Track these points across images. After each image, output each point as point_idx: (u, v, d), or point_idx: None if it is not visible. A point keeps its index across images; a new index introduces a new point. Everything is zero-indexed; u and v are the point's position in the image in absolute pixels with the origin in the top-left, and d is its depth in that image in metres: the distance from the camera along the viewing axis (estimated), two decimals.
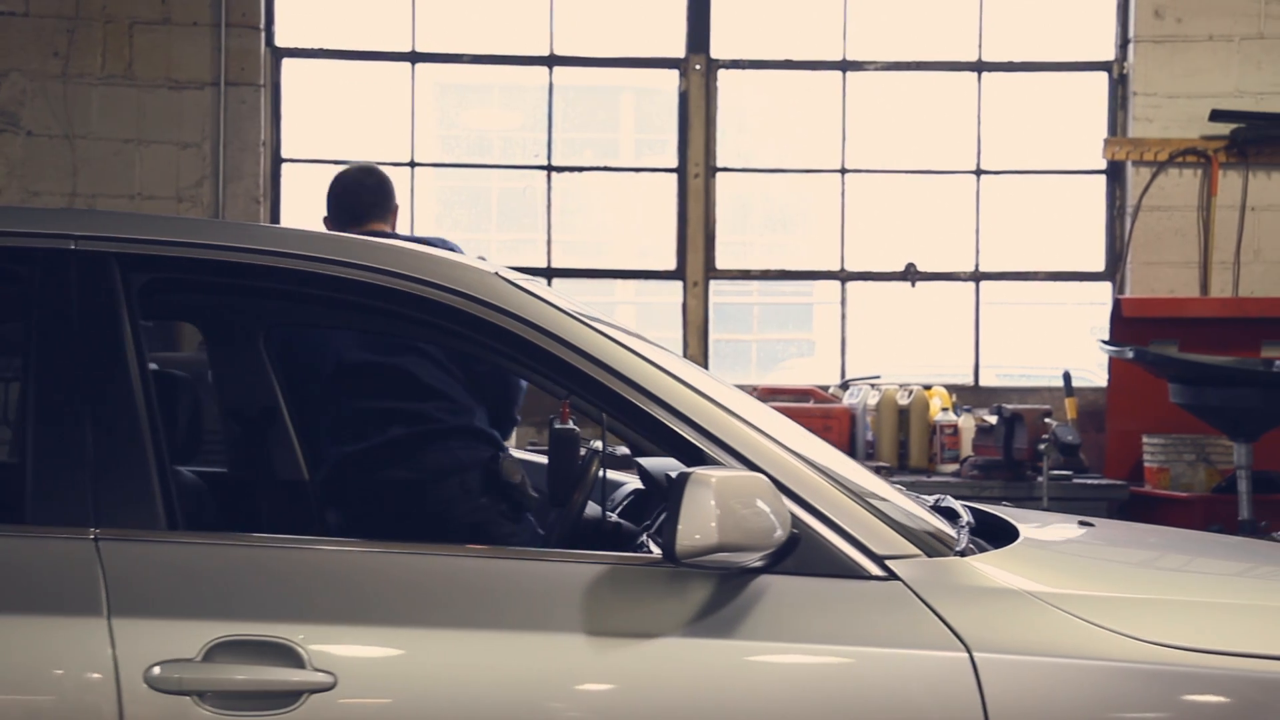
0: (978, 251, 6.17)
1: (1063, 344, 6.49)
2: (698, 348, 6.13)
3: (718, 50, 6.12)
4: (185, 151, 5.84)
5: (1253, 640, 1.79)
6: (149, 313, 3.07)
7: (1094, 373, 6.19)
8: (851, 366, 6.21)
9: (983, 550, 1.99)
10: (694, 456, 1.83)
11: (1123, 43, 6.08)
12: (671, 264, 6.14)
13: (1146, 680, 1.73)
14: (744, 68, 6.17)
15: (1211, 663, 1.75)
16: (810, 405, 5.70)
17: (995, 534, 2.15)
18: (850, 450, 5.65)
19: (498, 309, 1.91)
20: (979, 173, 6.16)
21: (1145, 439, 5.39)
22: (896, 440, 5.52)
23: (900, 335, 6.98)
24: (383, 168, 6.07)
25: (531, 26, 6.13)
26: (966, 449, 5.39)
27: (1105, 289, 6.14)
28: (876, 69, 6.16)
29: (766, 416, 2.03)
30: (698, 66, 6.10)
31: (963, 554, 1.87)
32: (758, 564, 1.76)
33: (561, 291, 2.30)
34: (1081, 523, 2.42)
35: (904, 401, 5.54)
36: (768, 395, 5.77)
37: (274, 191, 6.02)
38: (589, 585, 1.77)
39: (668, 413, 1.85)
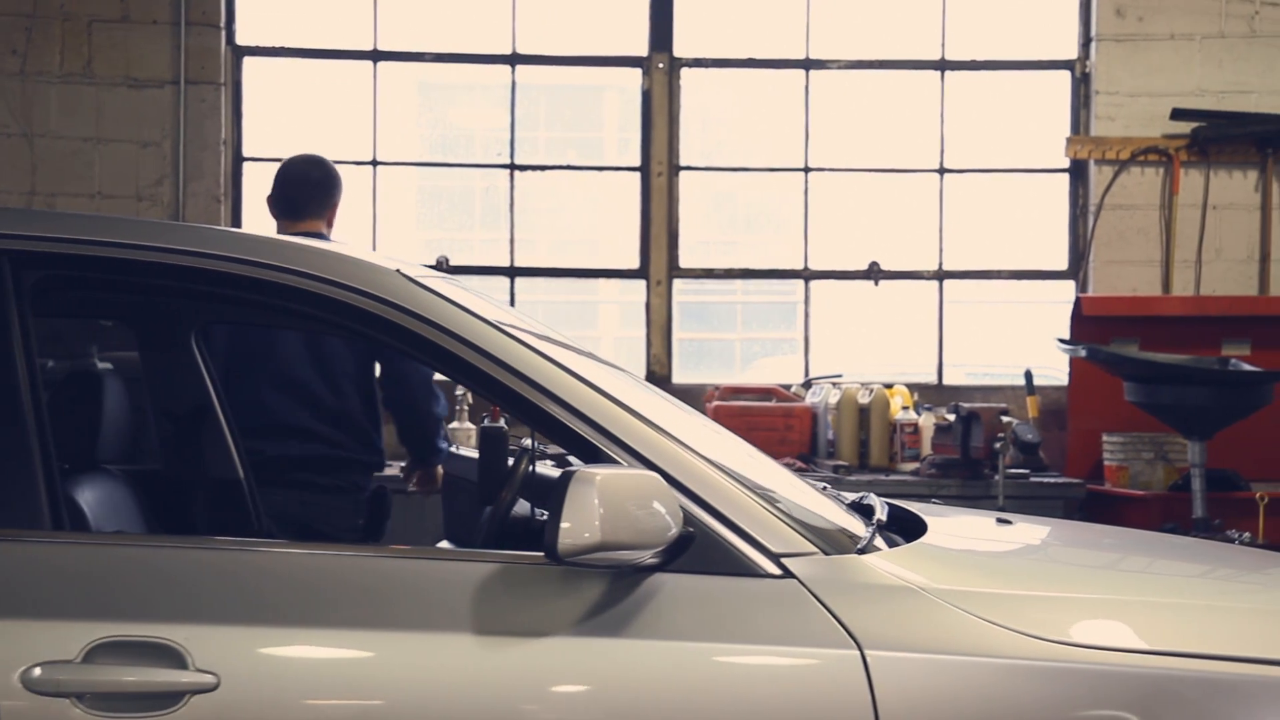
0: (941, 250, 6.17)
1: (1028, 343, 6.48)
2: (661, 347, 6.12)
3: (681, 49, 6.11)
4: (145, 150, 5.82)
5: (1150, 637, 1.79)
6: (66, 311, 3.07)
7: (1059, 371, 6.18)
8: (823, 365, 6.21)
9: (895, 546, 1.99)
10: (591, 454, 1.83)
11: (1085, 41, 6.08)
12: (635, 263, 6.13)
13: (1037, 677, 1.73)
14: (707, 66, 6.16)
15: (1105, 659, 1.74)
16: (772, 404, 5.70)
17: (910, 531, 2.15)
18: (811, 449, 5.65)
19: (395, 306, 1.90)
20: (942, 171, 6.16)
21: (1105, 437, 5.39)
22: (857, 439, 5.52)
23: (868, 334, 6.98)
24: (345, 166, 6.11)
25: (495, 25, 6.12)
26: (927, 448, 5.39)
27: (1069, 287, 6.14)
28: (839, 67, 6.16)
29: (674, 414, 2.02)
30: (660, 65, 6.09)
31: (864, 551, 1.87)
32: (651, 562, 1.75)
33: (472, 289, 2.29)
34: (999, 520, 2.42)
35: (864, 400, 5.54)
36: (730, 394, 5.77)
37: (235, 190, 6.00)
38: (480, 584, 1.76)
39: (564, 410, 1.84)
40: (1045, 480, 5.05)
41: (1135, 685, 1.72)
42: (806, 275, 6.16)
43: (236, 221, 6.00)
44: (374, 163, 6.08)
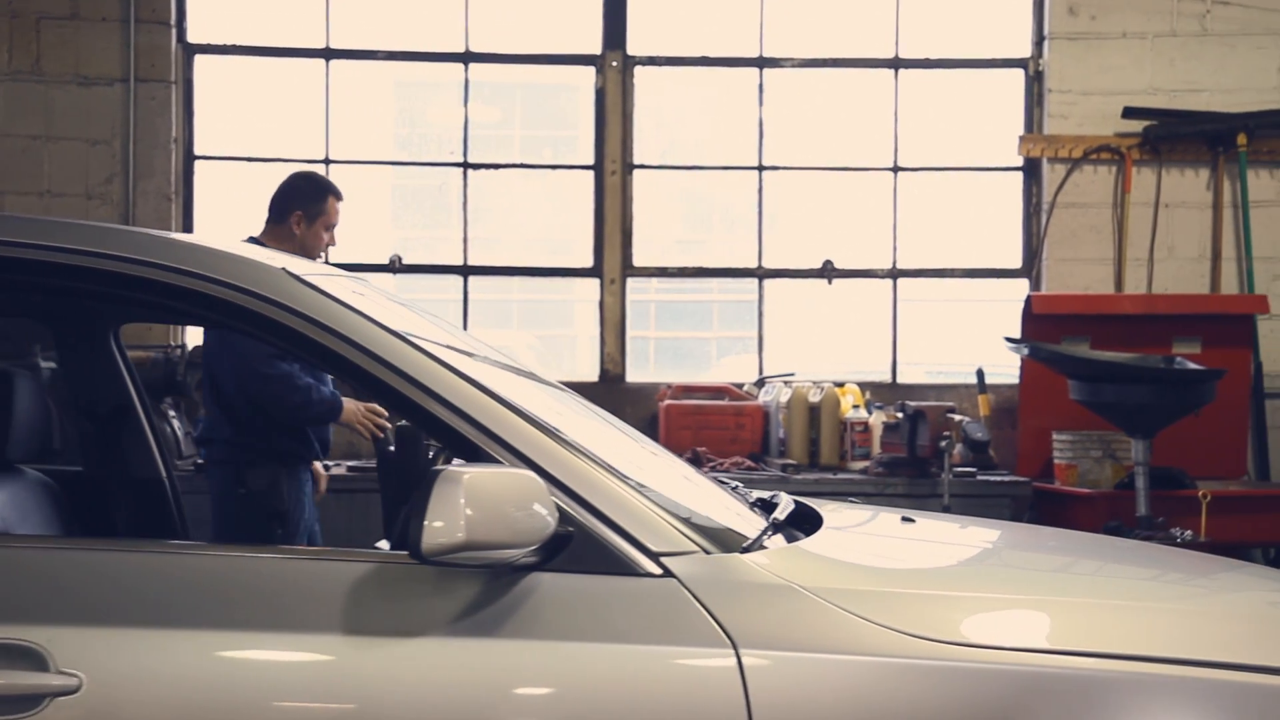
0: (895, 248, 6.17)
1: (983, 341, 6.49)
2: (615, 345, 6.11)
3: (635, 47, 6.11)
4: (95, 148, 5.79)
5: (1030, 634, 1.79)
6: None
7: (1014, 370, 6.19)
8: (784, 364, 6.20)
9: (794, 541, 1.99)
10: (472, 452, 1.82)
11: (1038, 40, 6.09)
12: (589, 261, 6.12)
13: (914, 675, 1.73)
14: (660, 64, 6.15)
15: (983, 657, 1.74)
16: (723, 403, 5.70)
17: (813, 531, 2.14)
18: (763, 448, 5.65)
19: (278, 305, 1.89)
20: (896, 170, 6.17)
21: (1055, 436, 5.40)
22: (808, 437, 5.52)
23: (827, 333, 6.98)
24: (296, 165, 6.09)
25: (448, 23, 6.10)
26: (878, 446, 5.39)
27: (1024, 286, 6.15)
28: (793, 65, 6.16)
29: (571, 415, 2.01)
30: (614, 63, 6.08)
31: (750, 550, 1.86)
32: (528, 561, 1.75)
33: (376, 288, 2.28)
34: (904, 519, 2.42)
35: (815, 399, 5.54)
36: (682, 393, 5.77)
37: (186, 189, 5.98)
38: (352, 584, 1.75)
39: (444, 407, 1.83)
40: (992, 479, 5.05)
41: (1012, 683, 1.72)
42: (761, 274, 6.16)
43: (188, 220, 5.98)
44: (326, 161, 6.06)
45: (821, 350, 6.84)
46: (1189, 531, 4.49)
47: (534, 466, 1.79)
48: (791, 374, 5.92)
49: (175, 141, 5.89)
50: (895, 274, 6.16)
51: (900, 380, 6.17)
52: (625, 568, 1.77)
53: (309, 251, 4.34)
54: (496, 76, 6.19)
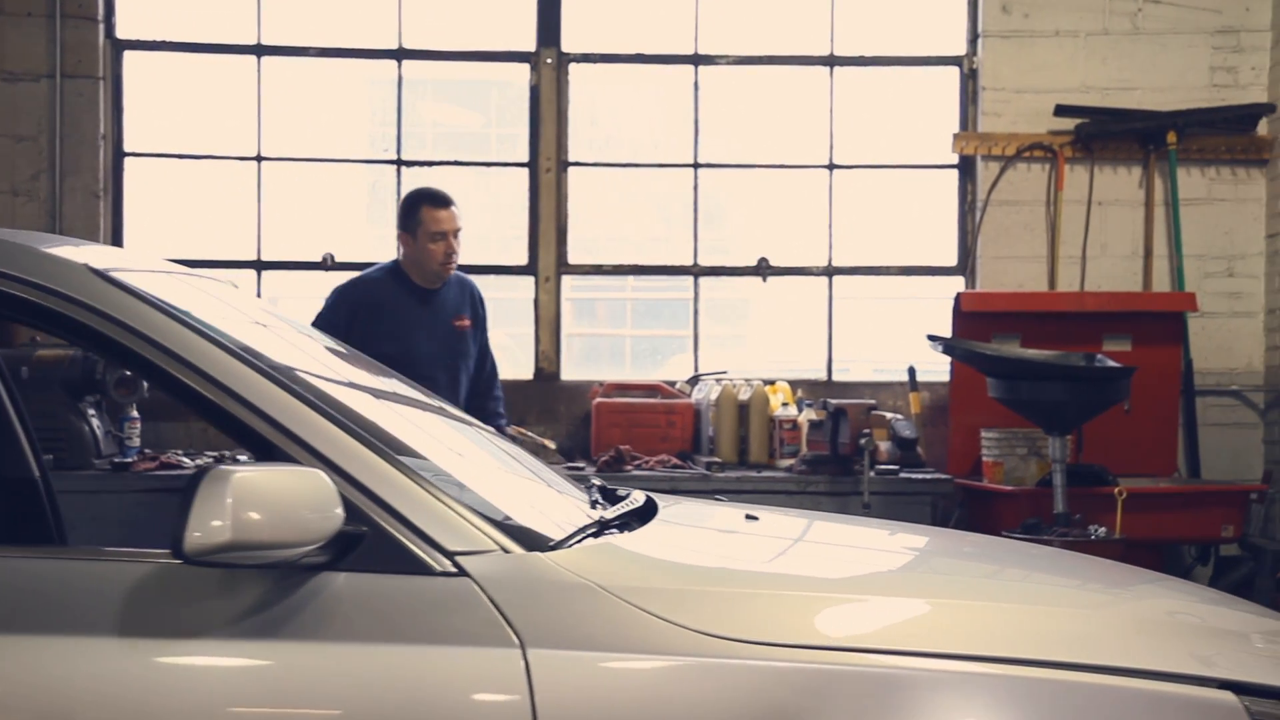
0: (830, 246, 6.16)
1: (920, 339, 6.48)
2: (550, 343, 6.09)
3: (569, 44, 6.09)
4: (20, 145, 5.75)
5: (828, 632, 1.77)
6: None
7: (948, 368, 6.19)
8: (723, 362, 6.18)
9: (612, 538, 1.97)
10: (265, 449, 1.79)
11: (973, 37, 6.09)
12: (524, 259, 6.10)
13: (705, 674, 1.71)
14: (595, 61, 6.13)
15: (775, 655, 1.73)
16: (654, 401, 5.69)
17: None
18: (694, 445, 5.63)
19: (74, 302, 1.85)
20: (832, 167, 6.16)
21: (983, 433, 5.40)
22: (737, 435, 5.51)
23: (771, 331, 6.98)
24: (227, 162, 6.06)
25: (380, 20, 6.07)
26: (806, 445, 5.38)
27: (960, 283, 6.14)
28: (728, 63, 6.14)
29: (371, 408, 1.99)
30: (549, 60, 6.06)
31: (558, 547, 1.85)
32: (317, 560, 1.73)
33: (198, 283, 2.26)
34: (748, 517, 2.40)
35: (744, 397, 5.53)
36: (614, 391, 5.75)
37: (116, 186, 5.94)
38: (133, 586, 1.73)
39: (239, 405, 1.80)
40: (914, 476, 5.05)
41: (801, 681, 1.71)
42: (696, 272, 6.15)
43: (118, 217, 5.94)
44: (258, 158, 6.03)
45: (761, 348, 6.84)
46: (1103, 528, 4.49)
47: (329, 464, 1.76)
48: (724, 372, 5.91)
49: (104, 138, 5.85)
50: (831, 271, 6.15)
51: (836, 378, 6.17)
52: (418, 567, 1.75)
53: (425, 265, 4.53)
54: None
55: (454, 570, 1.76)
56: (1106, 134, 5.87)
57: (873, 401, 5.18)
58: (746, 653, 1.72)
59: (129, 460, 5.00)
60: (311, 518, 1.68)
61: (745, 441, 5.51)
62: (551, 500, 2.09)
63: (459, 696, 1.70)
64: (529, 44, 6.09)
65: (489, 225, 7.16)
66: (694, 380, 5.94)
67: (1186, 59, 5.94)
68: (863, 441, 4.79)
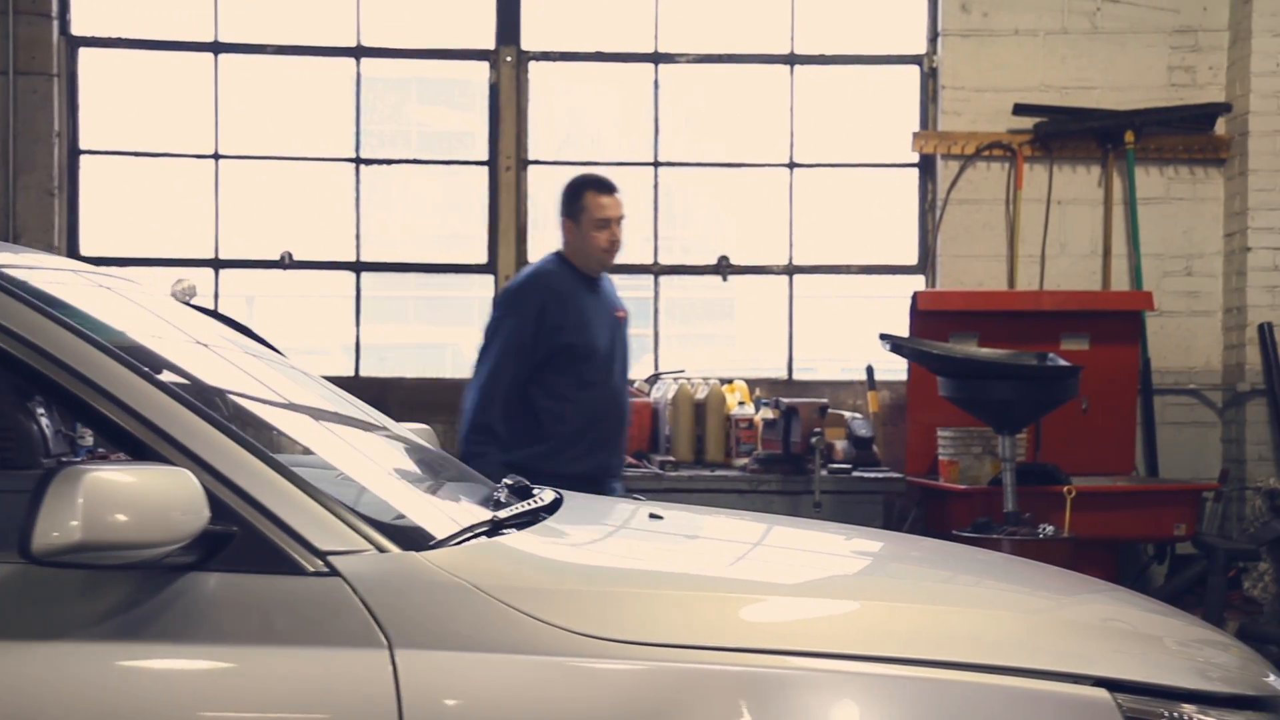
0: (791, 245, 6.15)
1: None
2: None
3: (528, 42, 6.07)
4: None
5: (705, 631, 1.76)
6: None
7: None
8: (697, 361, 6.17)
9: (501, 536, 1.95)
10: (135, 448, 1.77)
11: (933, 36, 6.09)
12: (483, 258, 6.09)
13: (575, 674, 1.70)
14: (555, 60, 6.12)
15: (648, 654, 1.71)
16: None
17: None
18: (651, 445, 5.62)
19: None
20: (792, 166, 6.15)
21: (939, 432, 5.39)
22: (693, 434, 5.50)
23: (733, 330, 6.96)
24: (185, 160, 6.02)
25: (339, 18, 6.05)
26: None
27: (921, 282, 6.14)
28: (688, 61, 6.13)
29: (256, 405, 1.97)
30: (508, 58, 6.05)
31: (440, 546, 1.83)
32: (184, 560, 1.70)
33: (49, 276, 2.18)
34: (651, 515, 2.39)
35: (700, 396, 5.52)
36: None
37: (71, 184, 5.91)
38: None
39: (109, 402, 1.76)
40: (866, 475, 5.04)
41: (671, 680, 1.69)
42: (656, 270, 6.14)
43: (73, 214, 5.91)
44: (216, 156, 6.00)
45: (725, 348, 6.83)
46: (1051, 527, 4.49)
47: (199, 462, 1.74)
48: (682, 370, 5.89)
49: (58, 135, 5.82)
50: (791, 270, 6.14)
51: (800, 377, 6.16)
52: (289, 566, 1.73)
53: (589, 252, 4.29)
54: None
55: (325, 570, 1.74)
56: (1065, 133, 5.87)
57: (825, 400, 5.17)
58: (618, 652, 1.71)
59: (79, 459, 4.97)
60: (175, 517, 1.65)
61: (702, 441, 5.50)
62: (445, 499, 2.08)
63: (324, 698, 1.68)
64: (488, 42, 6.07)
65: (453, 224, 7.15)
66: (654, 379, 5.92)
67: (1145, 58, 5.94)
68: (813, 440, 4.78)
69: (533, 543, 2.03)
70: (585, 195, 4.29)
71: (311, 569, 1.74)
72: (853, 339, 6.89)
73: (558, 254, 4.38)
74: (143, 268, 6.02)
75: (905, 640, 1.78)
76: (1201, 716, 1.79)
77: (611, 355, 4.32)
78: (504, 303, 4.37)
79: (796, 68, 6.13)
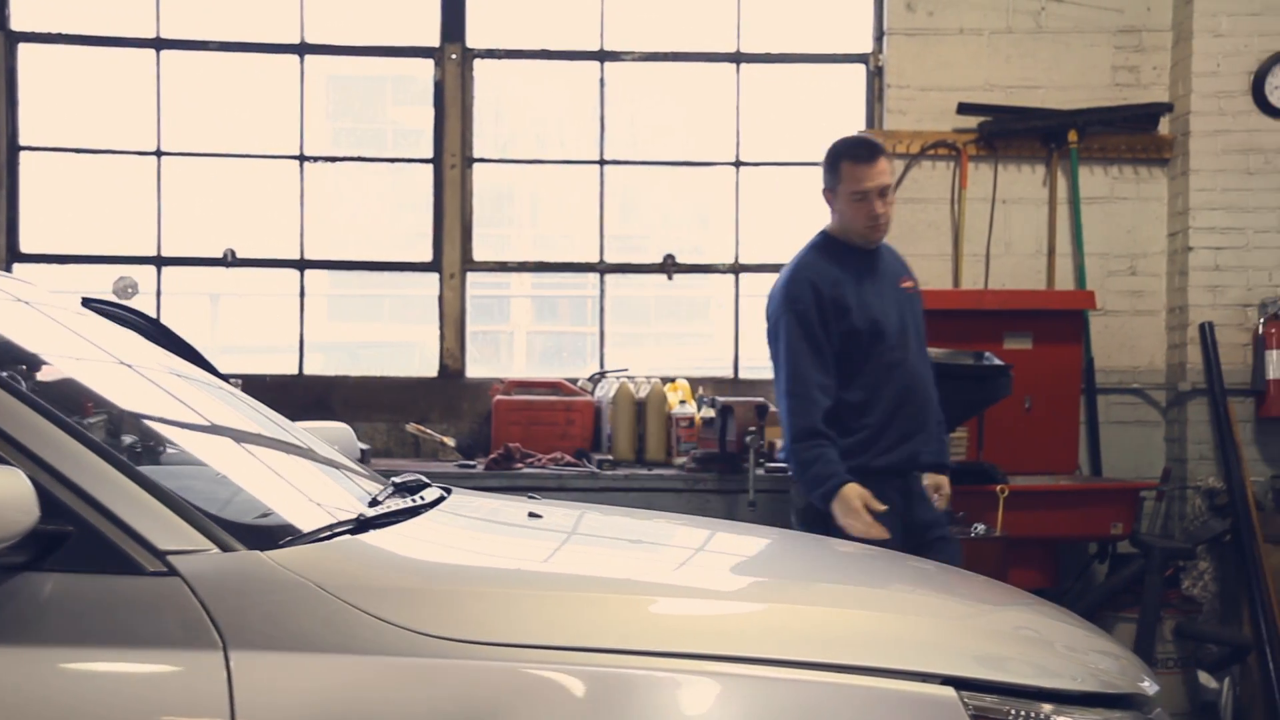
0: (737, 244, 6.14)
1: None
2: (455, 340, 6.05)
3: (474, 39, 6.05)
4: None
5: (552, 630, 1.74)
6: None
7: None
8: (643, 360, 6.15)
9: (364, 534, 1.93)
10: None
11: (878, 35, 6.08)
12: (428, 256, 6.06)
13: (411, 672, 1.68)
14: (500, 57, 6.09)
15: (492, 654, 1.70)
16: (553, 399, 5.65)
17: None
18: (593, 444, 5.61)
19: None
20: (738, 164, 6.13)
21: None
22: (634, 433, 5.48)
23: (679, 329, 6.95)
24: (126, 157, 5.97)
25: (282, 14, 6.01)
26: None
27: None
28: (634, 59, 6.12)
29: (110, 403, 1.94)
30: (453, 56, 6.02)
31: (293, 544, 1.81)
32: (14, 560, 1.68)
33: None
34: (530, 514, 2.37)
35: (641, 395, 5.51)
36: (514, 388, 5.72)
37: (10, 180, 5.86)
38: None
39: None
40: None
41: (513, 679, 1.68)
42: (602, 269, 6.12)
43: (13, 211, 5.87)
44: (158, 153, 5.96)
45: (673, 346, 6.81)
46: (983, 526, 4.49)
47: (37, 461, 1.72)
48: (625, 369, 5.88)
49: None
50: (738, 269, 6.13)
51: (744, 376, 6.15)
52: (127, 566, 1.71)
53: (853, 226, 3.93)
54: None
55: (164, 570, 1.72)
56: (1009, 132, 5.88)
57: (761, 399, 5.16)
58: (459, 652, 1.70)
59: None
60: (1, 515, 1.63)
61: (644, 440, 5.49)
62: (312, 498, 2.05)
63: (156, 701, 1.66)
64: (433, 39, 6.04)
65: (405, 221, 7.12)
66: (598, 378, 5.91)
67: (1089, 58, 5.95)
68: (748, 439, 4.77)
69: (395, 541, 2.01)
70: (842, 165, 3.90)
71: (151, 569, 1.72)
72: None
73: (824, 232, 3.99)
74: (84, 265, 5.98)
75: (755, 640, 1.77)
76: (1058, 716, 1.79)
77: (904, 331, 3.97)
78: (774, 304, 4.01)
79: (743, 66, 6.12)
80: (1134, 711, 1.88)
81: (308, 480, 2.25)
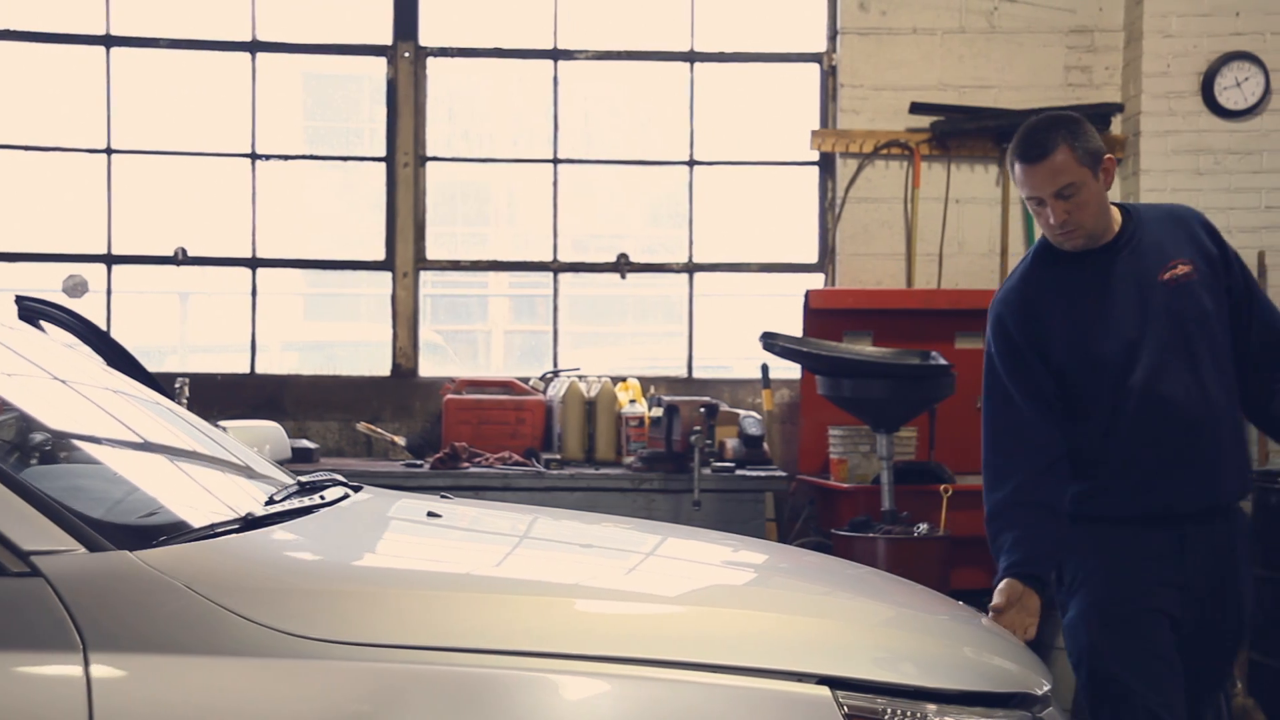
0: (691, 243, 6.13)
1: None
2: (408, 339, 6.03)
3: (426, 38, 6.03)
4: None
5: (427, 631, 1.73)
6: None
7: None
8: (603, 359, 6.15)
9: (249, 533, 1.91)
10: None
11: (832, 34, 6.08)
12: (381, 254, 6.04)
13: (279, 674, 1.67)
14: (453, 55, 6.08)
15: (364, 655, 1.69)
16: (504, 398, 5.64)
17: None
18: (544, 443, 5.59)
19: None
20: (692, 163, 6.12)
21: (830, 430, 5.39)
22: (584, 432, 5.47)
23: (636, 328, 6.93)
24: (75, 154, 5.92)
25: (235, 11, 5.99)
26: None
27: (822, 280, 6.13)
28: (588, 58, 6.10)
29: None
30: (406, 54, 6.00)
31: (167, 543, 1.79)
32: None
33: None
34: (430, 514, 2.36)
35: (591, 394, 5.50)
36: (465, 387, 5.70)
37: None
38: None
39: None
40: (749, 474, 5.02)
41: (386, 680, 1.67)
42: (555, 268, 6.11)
43: None
44: (108, 150, 5.93)
45: (630, 345, 6.80)
46: (925, 525, 4.49)
47: None
48: (577, 369, 5.87)
49: None
50: (691, 269, 6.12)
51: (703, 375, 6.14)
52: None
53: (1048, 232, 3.12)
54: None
55: (27, 570, 1.70)
56: (961, 132, 5.88)
57: (708, 398, 5.16)
58: (325, 652, 1.68)
59: None
60: None
61: (594, 439, 5.48)
62: (203, 496, 2.04)
63: (13, 704, 1.64)
64: (386, 38, 6.02)
65: (365, 220, 7.09)
66: (551, 377, 5.89)
67: (1041, 58, 5.96)
68: (693, 439, 4.77)
69: (281, 540, 1.99)
70: (1013, 165, 3.12)
71: (14, 569, 1.70)
72: (754, 337, 6.89)
73: (1041, 241, 3.24)
74: (33, 263, 5.94)
75: (628, 639, 1.76)
76: (942, 716, 1.78)
77: (1161, 346, 3.08)
78: (990, 332, 3.33)
79: (696, 65, 6.11)
80: (1023, 711, 1.88)
81: (207, 480, 2.23)
